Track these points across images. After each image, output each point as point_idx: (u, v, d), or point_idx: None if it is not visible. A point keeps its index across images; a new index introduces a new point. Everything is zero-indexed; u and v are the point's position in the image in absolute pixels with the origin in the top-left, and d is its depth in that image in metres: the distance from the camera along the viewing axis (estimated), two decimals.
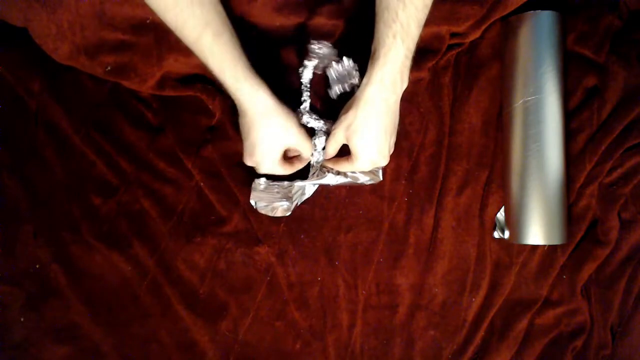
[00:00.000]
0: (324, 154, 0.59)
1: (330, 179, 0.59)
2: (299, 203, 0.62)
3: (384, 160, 0.56)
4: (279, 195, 0.60)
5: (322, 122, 0.59)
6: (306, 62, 0.58)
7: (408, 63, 0.52)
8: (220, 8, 0.51)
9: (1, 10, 0.56)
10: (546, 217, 0.59)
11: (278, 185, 0.61)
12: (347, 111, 0.54)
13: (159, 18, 0.49)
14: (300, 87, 0.60)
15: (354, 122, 0.53)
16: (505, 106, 0.62)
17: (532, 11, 0.60)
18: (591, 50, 0.63)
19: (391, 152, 0.57)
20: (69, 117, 0.62)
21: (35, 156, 0.61)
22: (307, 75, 0.59)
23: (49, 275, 0.60)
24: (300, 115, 0.58)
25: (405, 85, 0.53)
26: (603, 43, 0.63)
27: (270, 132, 0.54)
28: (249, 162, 0.57)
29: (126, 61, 0.59)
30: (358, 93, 0.53)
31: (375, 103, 0.52)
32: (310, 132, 0.59)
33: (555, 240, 0.60)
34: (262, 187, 0.60)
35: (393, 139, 0.56)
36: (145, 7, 0.49)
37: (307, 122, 0.58)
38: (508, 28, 0.62)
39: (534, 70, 0.59)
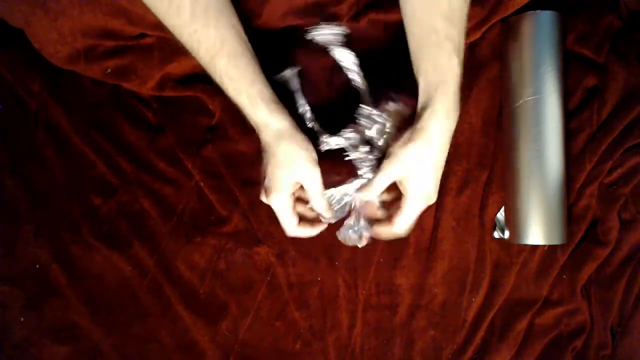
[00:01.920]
0: (370, 188, 0.52)
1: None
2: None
3: (434, 197, 0.51)
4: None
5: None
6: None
7: (460, 80, 0.48)
8: (238, 26, 0.49)
9: (1, 9, 0.56)
10: (546, 217, 0.59)
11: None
12: (405, 145, 0.48)
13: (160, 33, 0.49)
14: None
15: (413, 156, 0.48)
16: (505, 106, 0.62)
17: (532, 11, 0.59)
18: (591, 50, 0.63)
19: None
20: (69, 117, 0.62)
21: (35, 156, 0.61)
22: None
23: (49, 275, 0.60)
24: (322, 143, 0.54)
25: (458, 111, 0.49)
26: (603, 43, 0.63)
27: (280, 159, 0.49)
28: (262, 195, 0.52)
29: (126, 64, 0.59)
30: (419, 124, 0.48)
31: (437, 136, 0.48)
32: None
33: (555, 240, 0.60)
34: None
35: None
36: (149, 24, 0.48)
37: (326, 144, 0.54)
38: (508, 28, 0.62)
39: (534, 70, 0.59)
